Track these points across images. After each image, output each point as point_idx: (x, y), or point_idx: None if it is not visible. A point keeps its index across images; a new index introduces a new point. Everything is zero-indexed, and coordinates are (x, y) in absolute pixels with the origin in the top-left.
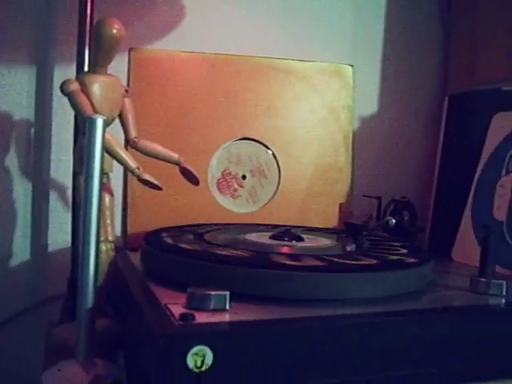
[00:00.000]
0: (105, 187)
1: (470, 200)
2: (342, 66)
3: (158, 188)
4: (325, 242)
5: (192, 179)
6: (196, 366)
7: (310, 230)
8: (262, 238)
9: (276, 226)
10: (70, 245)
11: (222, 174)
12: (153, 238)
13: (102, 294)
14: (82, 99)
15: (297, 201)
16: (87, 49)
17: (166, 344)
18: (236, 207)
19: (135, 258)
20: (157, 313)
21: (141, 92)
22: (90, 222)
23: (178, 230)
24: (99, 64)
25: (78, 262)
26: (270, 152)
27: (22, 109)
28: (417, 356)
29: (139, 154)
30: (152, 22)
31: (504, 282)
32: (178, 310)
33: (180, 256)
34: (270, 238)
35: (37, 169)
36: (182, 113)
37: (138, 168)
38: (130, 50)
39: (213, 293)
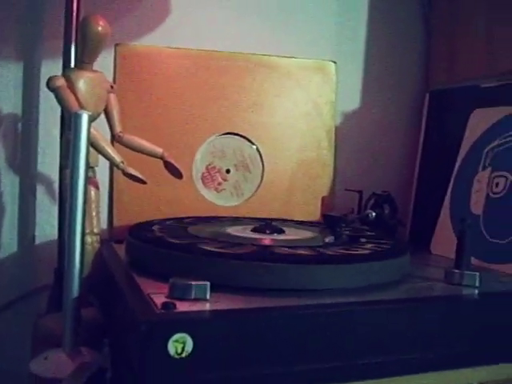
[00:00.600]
0: (90, 181)
1: (448, 194)
2: (325, 62)
3: (143, 182)
4: (305, 234)
5: (175, 173)
6: (177, 352)
7: (292, 223)
8: (245, 231)
9: (259, 220)
10: (56, 237)
11: (207, 168)
12: (137, 230)
13: (87, 285)
14: (68, 95)
15: (280, 194)
16: (74, 45)
17: (148, 331)
18: (220, 201)
19: (120, 250)
20: (140, 302)
21: (126, 87)
22: (75, 214)
23: (162, 223)
24: (85, 60)
25: (64, 253)
26: (254, 147)
27: (10, 103)
28: (392, 344)
29: (125, 148)
30: (138, 18)
31: (477, 274)
32: (160, 299)
33: (163, 248)
34: (252, 230)
35: (24, 163)
36: (168, 108)
37: (122, 162)
38: (115, 46)
39: (194, 283)
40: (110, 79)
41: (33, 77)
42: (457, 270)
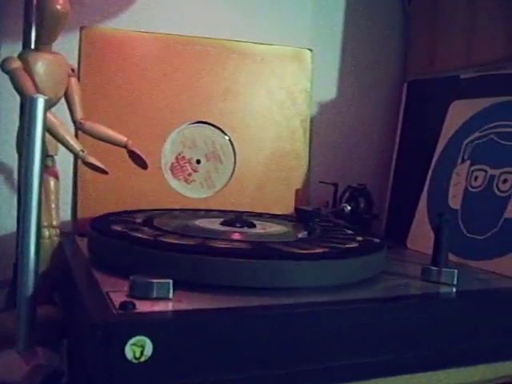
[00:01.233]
0: (49, 170)
1: (425, 188)
2: (300, 50)
3: (104, 172)
4: (277, 228)
5: (140, 163)
6: (135, 356)
7: (265, 217)
8: (213, 224)
9: (230, 212)
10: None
11: (176, 158)
12: (98, 222)
13: (47, 281)
14: (24, 78)
15: (252, 186)
16: (34, 26)
17: (103, 334)
18: (190, 192)
19: (83, 244)
20: (97, 301)
21: (92, 72)
22: (29, 205)
23: (127, 215)
24: (43, 41)
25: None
26: (226, 137)
27: None
28: (367, 345)
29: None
30: (105, 0)
31: (455, 271)
32: (119, 298)
33: (124, 242)
34: (221, 224)
35: None
36: (135, 95)
37: (82, 151)
38: (81, 29)
39: (155, 281)
40: (75, 64)
41: None
42: (434, 267)
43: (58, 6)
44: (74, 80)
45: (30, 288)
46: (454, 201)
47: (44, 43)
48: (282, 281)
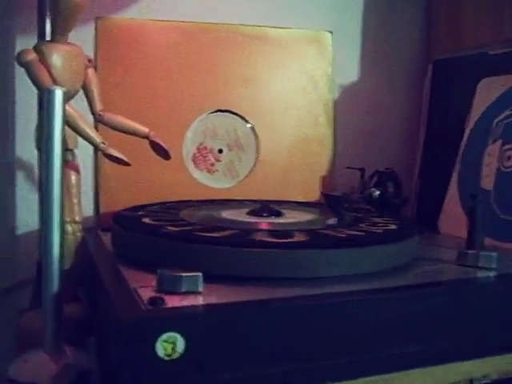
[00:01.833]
0: (70, 164)
1: (456, 169)
2: (320, 32)
3: (126, 163)
4: (305, 216)
5: (162, 154)
6: (166, 353)
7: (291, 205)
8: (239, 214)
9: (255, 201)
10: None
11: (198, 149)
12: (122, 216)
13: (72, 278)
14: (40, 70)
15: (276, 174)
16: (48, 18)
17: (132, 331)
18: (213, 183)
19: (107, 239)
20: (124, 297)
21: (109, 63)
22: (51, 201)
23: (150, 208)
24: (58, 32)
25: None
26: (248, 125)
27: None
28: (404, 334)
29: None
30: None
31: (495, 254)
32: (147, 293)
33: (150, 235)
34: (248, 214)
35: (1, 147)
36: (154, 85)
37: (102, 143)
38: (96, 20)
39: (184, 274)
40: (92, 56)
41: (7, 54)
42: (471, 251)
43: None
44: (91, 71)
45: (56, 286)
46: (487, 181)
47: (60, 34)
48: (316, 270)
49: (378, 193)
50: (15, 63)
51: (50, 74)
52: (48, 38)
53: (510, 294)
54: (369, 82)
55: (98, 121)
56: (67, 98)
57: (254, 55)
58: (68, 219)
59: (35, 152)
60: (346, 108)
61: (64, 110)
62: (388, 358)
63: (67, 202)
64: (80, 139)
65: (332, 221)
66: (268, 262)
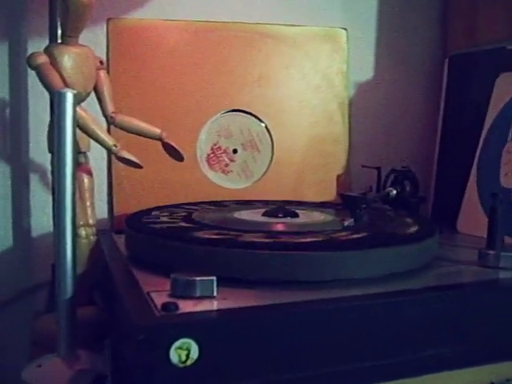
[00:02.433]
0: (82, 167)
1: (474, 167)
2: (334, 29)
3: (138, 166)
4: (322, 217)
5: (175, 155)
6: (180, 360)
7: (307, 205)
8: (255, 215)
9: (270, 202)
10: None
11: (212, 149)
12: (135, 219)
13: (87, 282)
14: (51, 72)
15: (291, 174)
16: (59, 20)
17: (146, 337)
18: (228, 183)
19: (121, 242)
20: (138, 302)
21: (121, 65)
22: (63, 205)
23: (163, 210)
24: (68, 34)
25: None
26: (262, 124)
27: None
28: (425, 337)
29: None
30: None
31: None
32: (161, 298)
33: (163, 238)
34: (263, 215)
35: (15, 151)
36: (166, 85)
37: (115, 145)
38: (107, 21)
39: (198, 278)
40: (104, 57)
41: (19, 57)
42: (491, 251)
43: None
44: (103, 73)
45: (69, 291)
46: (507, 179)
47: (70, 36)
48: (334, 273)
49: (395, 192)
50: (27, 67)
51: (61, 77)
52: (59, 40)
53: None
54: (384, 78)
55: (110, 123)
56: (78, 100)
57: (268, 54)
58: (81, 223)
59: (48, 156)
60: (362, 106)
61: (75, 113)
62: (408, 363)
63: (80, 205)
64: (93, 142)
65: (349, 222)
66: (285, 264)
